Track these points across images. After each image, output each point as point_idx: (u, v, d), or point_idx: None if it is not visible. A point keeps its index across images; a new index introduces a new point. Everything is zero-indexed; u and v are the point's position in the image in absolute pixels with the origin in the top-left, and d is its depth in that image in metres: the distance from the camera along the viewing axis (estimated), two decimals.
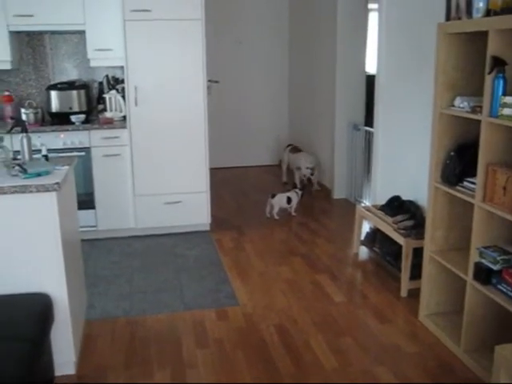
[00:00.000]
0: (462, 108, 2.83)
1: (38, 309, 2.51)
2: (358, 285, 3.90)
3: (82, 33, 4.69)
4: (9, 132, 3.49)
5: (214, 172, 5.73)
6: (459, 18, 2.99)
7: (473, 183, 2.78)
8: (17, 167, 2.72)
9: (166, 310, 3.49)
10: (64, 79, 4.98)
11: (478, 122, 2.65)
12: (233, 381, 2.75)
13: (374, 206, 4.28)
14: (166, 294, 3.72)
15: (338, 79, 5.66)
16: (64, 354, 2.75)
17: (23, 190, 2.51)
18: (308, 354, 2.98)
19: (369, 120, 5.37)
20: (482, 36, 2.62)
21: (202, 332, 3.22)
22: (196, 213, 4.84)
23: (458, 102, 2.88)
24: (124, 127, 4.58)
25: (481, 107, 2.64)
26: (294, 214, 5.36)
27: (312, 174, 5.88)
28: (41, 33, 4.87)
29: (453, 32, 2.85)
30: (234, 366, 2.88)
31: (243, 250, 4.53)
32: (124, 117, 4.67)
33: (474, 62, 2.89)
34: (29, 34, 4.86)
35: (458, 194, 2.89)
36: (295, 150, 6.37)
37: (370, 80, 5.16)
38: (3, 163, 2.66)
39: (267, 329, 3.25)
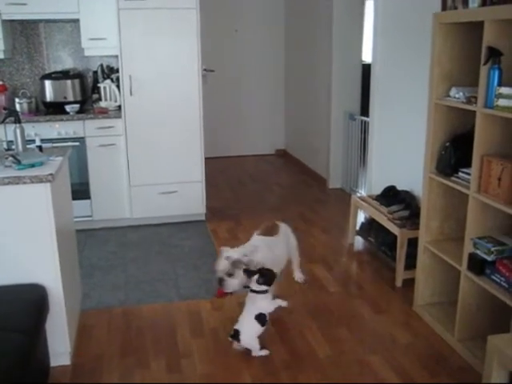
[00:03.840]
0: (458, 98, 2.82)
1: (33, 300, 2.51)
2: (353, 275, 3.91)
3: (76, 21, 4.64)
4: (1, 123, 3.46)
5: (210, 161, 5.71)
6: (455, 8, 2.98)
7: (468, 174, 2.77)
8: (10, 158, 2.71)
9: (161, 300, 3.50)
10: (58, 68, 4.95)
11: (474, 112, 2.65)
12: (227, 371, 2.76)
13: (370, 196, 4.28)
14: (161, 283, 3.73)
15: (334, 68, 5.63)
16: (59, 344, 2.76)
17: (17, 181, 2.50)
18: (303, 344, 2.99)
19: (365, 110, 5.35)
20: (478, 26, 2.60)
21: (197, 322, 3.23)
22: (191, 203, 4.84)
23: (453, 92, 2.88)
24: (119, 117, 4.56)
25: (476, 98, 2.63)
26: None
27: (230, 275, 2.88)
28: (34, 21, 4.82)
29: (448, 22, 2.84)
30: (228, 355, 2.89)
31: (238, 239, 4.51)
32: (119, 106, 4.64)
33: (470, 53, 2.88)
34: (22, 22, 4.81)
35: (453, 185, 2.89)
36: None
37: (367, 69, 5.14)
38: None
39: None
